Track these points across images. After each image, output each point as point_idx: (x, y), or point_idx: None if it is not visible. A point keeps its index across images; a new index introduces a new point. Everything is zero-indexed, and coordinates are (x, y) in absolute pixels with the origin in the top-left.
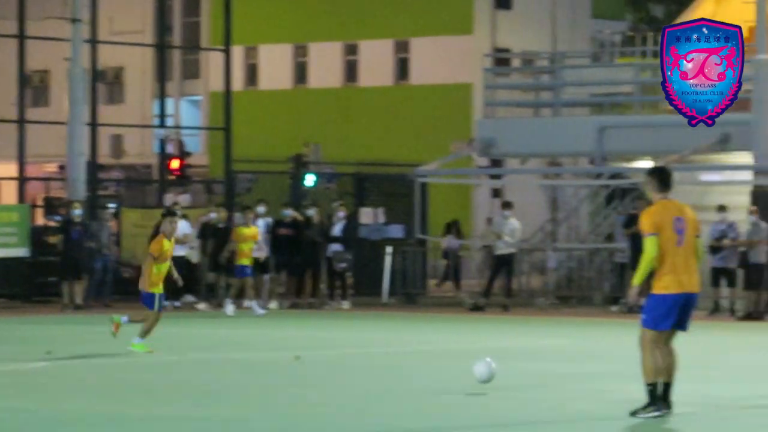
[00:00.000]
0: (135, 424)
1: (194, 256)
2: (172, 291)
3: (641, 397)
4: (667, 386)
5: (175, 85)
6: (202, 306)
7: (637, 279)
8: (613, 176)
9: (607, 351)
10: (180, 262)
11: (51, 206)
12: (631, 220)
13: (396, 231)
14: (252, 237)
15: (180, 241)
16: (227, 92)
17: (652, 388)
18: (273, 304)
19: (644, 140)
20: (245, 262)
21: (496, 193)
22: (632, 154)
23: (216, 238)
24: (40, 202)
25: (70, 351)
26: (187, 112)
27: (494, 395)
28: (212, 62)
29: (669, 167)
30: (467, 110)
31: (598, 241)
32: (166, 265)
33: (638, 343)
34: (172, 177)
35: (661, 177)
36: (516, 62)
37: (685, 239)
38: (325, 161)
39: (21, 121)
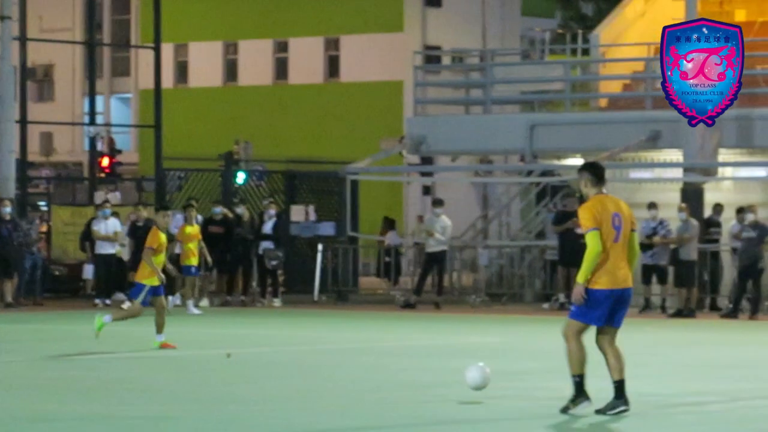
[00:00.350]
0: (63, 423)
1: (124, 254)
2: (104, 289)
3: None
4: (622, 383)
5: (105, 82)
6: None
7: (582, 276)
8: (544, 173)
9: (537, 349)
10: (110, 260)
11: None
12: (562, 218)
13: (327, 228)
14: (196, 236)
15: (110, 239)
16: (157, 90)
17: (578, 379)
18: (204, 302)
19: (574, 138)
20: (192, 261)
21: (427, 190)
22: (563, 152)
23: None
24: None
25: None
26: (117, 110)
27: (421, 393)
28: (142, 60)
29: (601, 163)
30: (398, 108)
31: (529, 239)
32: (162, 257)
33: (563, 335)
34: (103, 175)
35: (595, 171)
36: (446, 60)
37: (621, 235)
38: (255, 159)
39: None
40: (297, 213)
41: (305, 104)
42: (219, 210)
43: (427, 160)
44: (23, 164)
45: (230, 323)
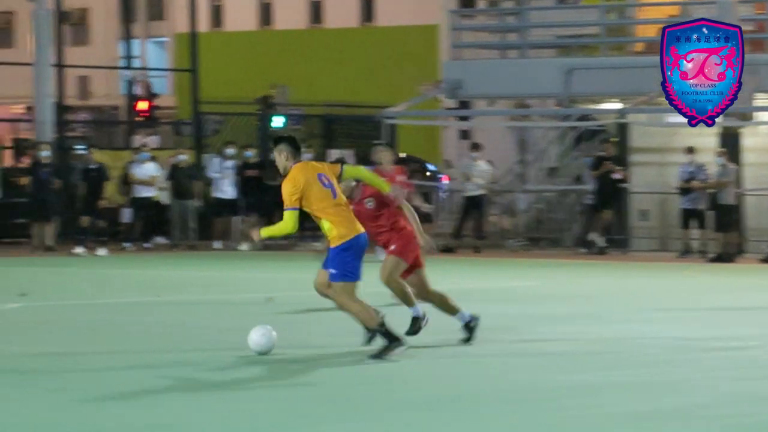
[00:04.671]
0: (110, 361)
1: (164, 198)
2: (143, 233)
3: (611, 336)
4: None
5: (141, 26)
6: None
7: None
8: (581, 118)
9: (576, 292)
10: (148, 204)
11: (20, 147)
12: (599, 163)
13: None
14: None
15: (148, 183)
16: (193, 33)
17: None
18: (245, 246)
19: (611, 82)
20: None
21: (465, 135)
22: (600, 96)
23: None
24: (8, 144)
25: (42, 293)
26: (153, 54)
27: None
28: (177, 3)
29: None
30: (434, 52)
31: (567, 183)
32: None
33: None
34: (140, 118)
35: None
36: (482, 3)
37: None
38: (292, 103)
39: None
40: (334, 157)
41: (340, 48)
42: (250, 154)
43: (464, 105)
44: (60, 108)
45: (271, 267)
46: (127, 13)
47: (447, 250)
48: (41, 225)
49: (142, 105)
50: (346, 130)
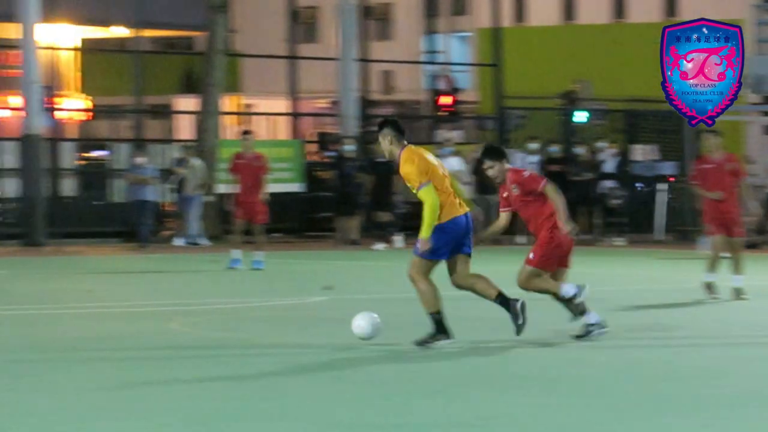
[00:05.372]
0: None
1: (467, 192)
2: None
3: None
4: None
5: (444, 21)
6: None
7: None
8: None
9: None
10: None
11: (324, 142)
12: None
13: (668, 168)
14: None
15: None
16: (496, 28)
17: None
18: None
19: None
20: None
21: None
22: None
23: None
24: (312, 138)
25: (348, 286)
26: (456, 49)
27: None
28: None
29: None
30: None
31: None
32: None
33: None
34: (443, 113)
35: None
36: None
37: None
38: (595, 98)
39: (292, 57)
40: (638, 152)
41: (643, 43)
42: (554, 149)
43: None
44: (365, 103)
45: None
46: (430, 8)
47: (751, 246)
48: (346, 219)
49: (445, 100)
50: (649, 126)
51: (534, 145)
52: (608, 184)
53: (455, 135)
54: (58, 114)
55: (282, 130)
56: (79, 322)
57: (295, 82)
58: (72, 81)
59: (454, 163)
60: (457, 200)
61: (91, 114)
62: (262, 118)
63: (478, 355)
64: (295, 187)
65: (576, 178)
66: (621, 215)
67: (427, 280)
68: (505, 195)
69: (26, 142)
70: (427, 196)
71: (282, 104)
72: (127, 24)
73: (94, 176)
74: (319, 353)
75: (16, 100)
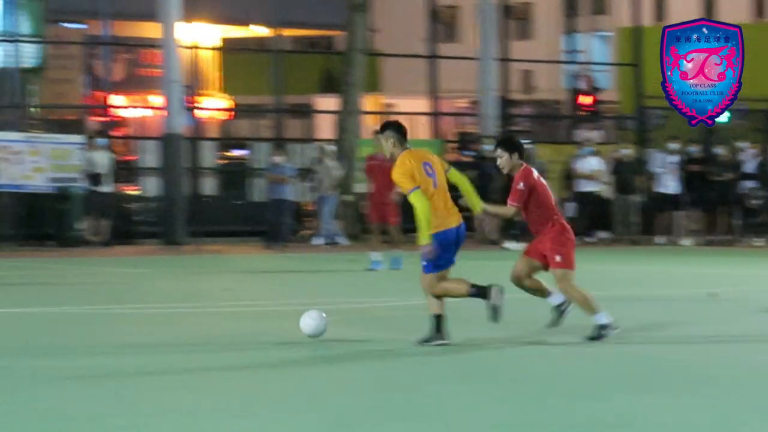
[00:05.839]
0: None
1: (607, 192)
2: (586, 228)
3: None
4: None
5: (585, 20)
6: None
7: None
8: None
9: None
10: (590, 198)
11: (464, 141)
12: None
13: None
14: None
15: (591, 177)
16: (636, 28)
17: None
18: (687, 241)
19: None
20: None
21: None
22: None
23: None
24: (452, 138)
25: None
26: (597, 48)
27: None
28: None
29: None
30: None
31: None
32: None
33: None
34: (583, 113)
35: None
36: None
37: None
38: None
39: (432, 57)
40: None
41: None
42: (694, 149)
43: None
44: (504, 102)
45: (712, 262)
46: (570, 8)
47: None
48: None
49: (585, 99)
50: None
51: (674, 145)
52: (748, 184)
53: (595, 135)
54: (198, 113)
55: (422, 129)
56: (214, 320)
57: (435, 81)
58: (212, 80)
59: (594, 163)
60: (451, 211)
61: (231, 113)
62: (402, 117)
63: (620, 355)
64: None
65: (716, 178)
66: (761, 215)
67: (441, 282)
68: (519, 186)
69: (167, 141)
70: (416, 201)
71: (422, 104)
72: (267, 23)
73: (233, 175)
74: (458, 352)
75: (157, 100)
